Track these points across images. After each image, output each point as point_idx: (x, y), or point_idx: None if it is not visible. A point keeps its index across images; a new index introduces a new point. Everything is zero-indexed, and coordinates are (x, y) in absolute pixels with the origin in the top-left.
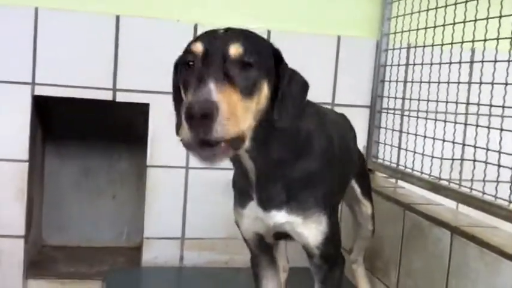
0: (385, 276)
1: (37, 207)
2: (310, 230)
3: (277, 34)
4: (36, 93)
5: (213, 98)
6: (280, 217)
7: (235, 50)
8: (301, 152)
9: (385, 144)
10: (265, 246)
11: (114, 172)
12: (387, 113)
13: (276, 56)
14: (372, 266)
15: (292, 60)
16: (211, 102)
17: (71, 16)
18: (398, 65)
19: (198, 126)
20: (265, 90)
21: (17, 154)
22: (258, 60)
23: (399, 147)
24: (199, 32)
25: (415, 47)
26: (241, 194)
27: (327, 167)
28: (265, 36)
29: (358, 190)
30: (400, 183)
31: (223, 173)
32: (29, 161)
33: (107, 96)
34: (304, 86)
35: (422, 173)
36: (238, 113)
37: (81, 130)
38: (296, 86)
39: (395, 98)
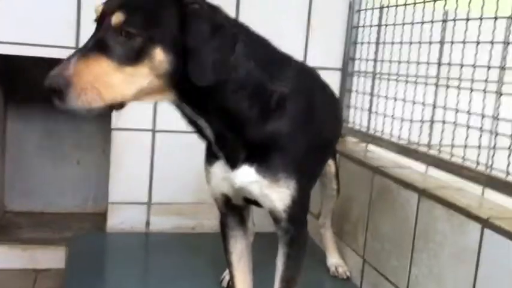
0: (353, 239)
1: None
2: (278, 193)
3: None
4: None
5: (67, 72)
6: (246, 177)
7: (115, 18)
8: (271, 113)
9: (355, 108)
10: (234, 207)
11: (79, 136)
12: (359, 75)
13: (187, 13)
14: (340, 230)
15: (263, 21)
16: (61, 77)
17: None
18: (371, 26)
19: (55, 97)
20: (158, 56)
21: None
22: (144, 27)
23: (370, 111)
24: None
25: (388, 6)
26: (209, 152)
27: (299, 132)
28: None
29: None
30: (371, 147)
31: (190, 136)
32: None
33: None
34: (226, 39)
35: (392, 136)
36: (104, 81)
37: (43, 91)
38: (215, 40)
39: (367, 60)
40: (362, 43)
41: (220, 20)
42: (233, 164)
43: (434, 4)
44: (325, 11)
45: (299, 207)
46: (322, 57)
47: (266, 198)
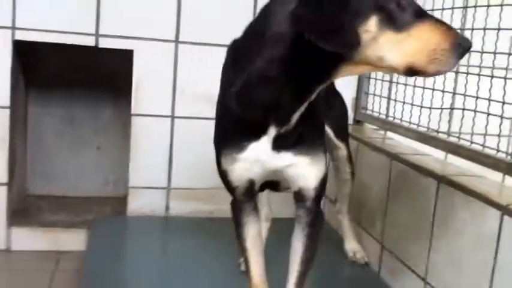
0: (371, 226)
1: (20, 156)
2: (314, 170)
3: None
4: (17, 38)
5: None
6: (288, 158)
7: None
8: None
9: (374, 95)
10: (251, 193)
11: (99, 121)
12: None
13: None
14: (357, 216)
15: None
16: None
17: None
18: None
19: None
20: None
21: None
22: None
23: (389, 98)
24: None
25: None
26: (244, 134)
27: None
28: None
29: (330, 133)
30: (390, 134)
31: (209, 122)
32: (10, 107)
33: (89, 41)
34: None
35: (410, 123)
36: None
37: (65, 77)
38: None
39: None
40: None
41: None
42: (279, 144)
43: None
44: None
45: (324, 184)
46: None
47: (302, 178)
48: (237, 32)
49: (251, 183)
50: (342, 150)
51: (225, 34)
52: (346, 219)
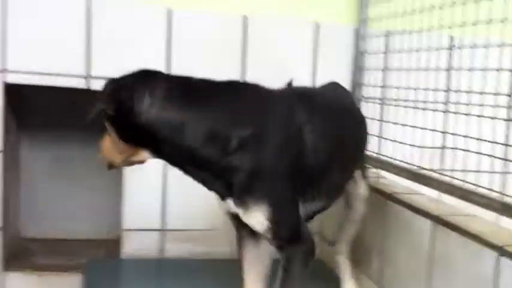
0: (367, 266)
1: (13, 199)
2: (253, 219)
3: (254, 20)
4: (9, 80)
5: None
6: (232, 205)
7: None
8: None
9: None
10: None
11: (91, 161)
12: (367, 101)
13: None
14: (353, 255)
15: (270, 47)
16: None
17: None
18: (378, 53)
19: None
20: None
21: None
22: None
23: (380, 137)
24: (173, 18)
25: (394, 33)
26: None
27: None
28: (240, 22)
29: (358, 171)
30: (382, 173)
31: None
32: (3, 151)
33: (80, 84)
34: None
35: (403, 162)
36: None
37: (56, 118)
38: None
39: (375, 86)
40: (369, 69)
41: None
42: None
43: (441, 31)
44: (332, 38)
45: (283, 227)
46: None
47: (249, 223)
48: None
49: (233, 215)
50: (365, 190)
51: None
52: (345, 260)
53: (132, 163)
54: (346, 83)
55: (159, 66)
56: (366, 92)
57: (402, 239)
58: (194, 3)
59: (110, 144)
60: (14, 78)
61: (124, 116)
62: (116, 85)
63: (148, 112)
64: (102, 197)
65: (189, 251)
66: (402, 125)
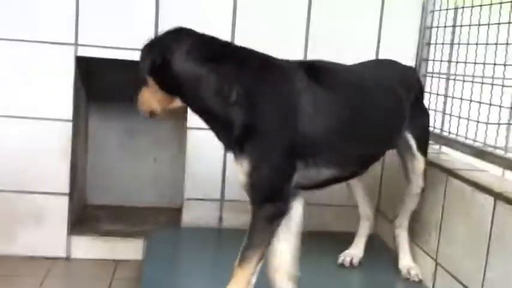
0: (425, 242)
1: (81, 167)
2: (238, 171)
3: None
4: (79, 54)
5: None
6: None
7: None
8: (229, 107)
9: (429, 109)
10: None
11: (155, 134)
12: (432, 76)
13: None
14: (411, 231)
15: (334, 18)
16: None
17: None
18: (445, 27)
19: None
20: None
21: (61, 114)
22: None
23: (444, 112)
24: None
25: (463, 7)
26: None
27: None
28: None
29: (413, 144)
30: (444, 149)
31: None
32: (72, 121)
33: None
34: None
35: (467, 138)
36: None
37: (123, 92)
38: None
39: (441, 61)
40: (436, 44)
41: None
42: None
43: (511, 5)
44: (398, 12)
45: (259, 185)
46: (395, 58)
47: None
48: None
49: None
50: (420, 163)
51: None
52: (404, 234)
53: (170, 111)
54: (411, 57)
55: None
56: (432, 67)
57: (462, 215)
58: None
59: (148, 95)
60: (85, 52)
61: (163, 67)
62: (157, 41)
63: (175, 64)
64: (165, 168)
65: (246, 222)
66: (468, 100)
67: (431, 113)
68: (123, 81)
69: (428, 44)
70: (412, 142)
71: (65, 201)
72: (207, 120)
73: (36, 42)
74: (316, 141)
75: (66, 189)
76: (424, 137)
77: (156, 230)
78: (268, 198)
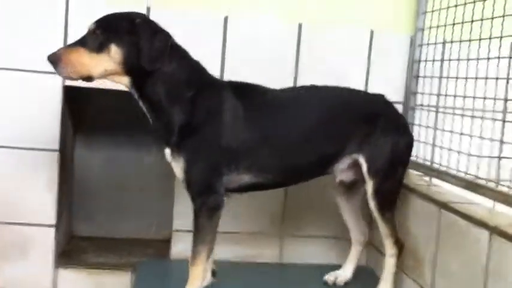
0: (420, 276)
1: (67, 198)
2: (176, 168)
3: (308, 27)
4: (67, 83)
5: (58, 52)
6: (167, 154)
7: (91, 26)
8: (176, 107)
9: (419, 141)
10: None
11: (142, 163)
12: (421, 109)
13: (136, 27)
14: (405, 265)
15: (323, 54)
16: (54, 55)
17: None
18: (434, 61)
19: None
20: (113, 49)
21: (48, 144)
22: (105, 32)
23: (433, 145)
24: (229, 25)
25: (451, 41)
26: None
27: (193, 127)
28: (295, 30)
29: (364, 166)
30: (435, 181)
31: None
32: (59, 150)
33: None
34: (161, 37)
35: (458, 171)
36: (78, 61)
37: (108, 121)
38: (153, 40)
39: (430, 94)
40: (424, 77)
41: (158, 27)
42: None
43: (500, 40)
44: (387, 46)
45: (193, 181)
46: (384, 90)
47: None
48: None
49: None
50: (369, 186)
51: None
52: (388, 261)
53: (108, 80)
54: (400, 91)
55: (213, 69)
56: (421, 100)
57: (457, 249)
58: (250, 11)
59: (96, 61)
60: (72, 82)
61: (150, 45)
62: (146, 18)
63: (160, 48)
64: (152, 198)
65: (238, 254)
66: (458, 133)
67: (420, 145)
68: (108, 110)
69: (417, 77)
70: (364, 165)
71: (51, 232)
72: (151, 113)
73: (24, 71)
74: (236, 149)
75: (53, 220)
76: (379, 162)
77: (144, 262)
78: (203, 192)
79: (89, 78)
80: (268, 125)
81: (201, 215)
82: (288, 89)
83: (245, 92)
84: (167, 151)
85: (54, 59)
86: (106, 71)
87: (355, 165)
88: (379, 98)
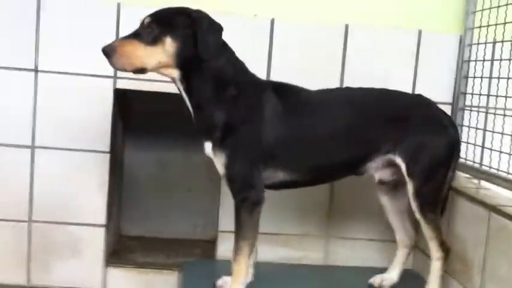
0: (468, 280)
1: (116, 198)
2: (217, 164)
3: (355, 29)
4: (118, 86)
5: (113, 44)
6: (207, 149)
7: (145, 20)
8: (222, 104)
9: (467, 143)
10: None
11: (190, 164)
12: (470, 110)
13: (193, 20)
14: (453, 269)
15: (370, 55)
16: (110, 46)
17: None
18: (484, 60)
19: (107, 59)
20: (167, 42)
21: (100, 145)
22: (160, 25)
23: (483, 146)
24: (275, 27)
25: (502, 41)
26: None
27: (235, 123)
28: (341, 32)
29: (403, 167)
30: (484, 183)
31: None
32: (110, 152)
33: None
34: (217, 29)
35: (508, 173)
36: (133, 53)
37: (159, 123)
38: (210, 31)
39: (480, 94)
40: (474, 77)
41: (213, 19)
42: (201, 136)
43: None
44: (435, 46)
45: (234, 176)
46: (432, 90)
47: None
48: None
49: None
50: (410, 186)
51: None
52: (434, 264)
53: (159, 73)
54: (448, 91)
55: (260, 70)
56: (469, 100)
57: (507, 253)
58: (296, 13)
59: (149, 53)
60: (123, 84)
61: (208, 40)
62: (206, 15)
63: (216, 43)
64: (199, 199)
65: (282, 256)
66: (510, 135)
67: (470, 147)
68: (157, 112)
69: (466, 77)
70: (402, 166)
71: (101, 232)
72: (195, 107)
73: (78, 75)
74: (274, 147)
75: (103, 221)
76: (418, 162)
77: (190, 262)
78: (244, 187)
79: (142, 71)
80: (304, 124)
81: (242, 211)
82: (325, 90)
83: (285, 91)
84: (208, 145)
85: (109, 51)
86: (159, 63)
87: (393, 166)
88: (416, 98)
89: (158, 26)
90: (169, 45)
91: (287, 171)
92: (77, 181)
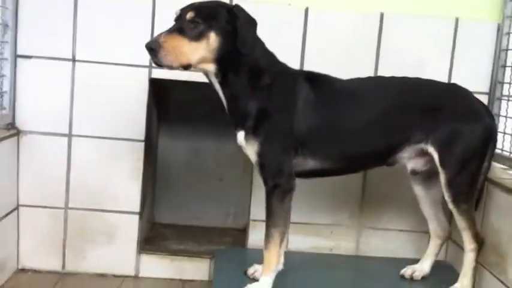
0: (501, 272)
1: (150, 186)
2: (249, 151)
3: (391, 17)
4: (153, 76)
5: (159, 40)
6: (239, 137)
7: (189, 14)
8: (256, 94)
9: (504, 133)
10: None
11: (222, 154)
12: (508, 100)
13: (232, 15)
14: (486, 260)
15: (406, 44)
16: (155, 42)
17: None
18: None
19: (152, 55)
20: (212, 37)
21: (134, 134)
22: (204, 20)
23: None
24: (309, 16)
25: None
26: None
27: (269, 112)
28: (376, 20)
29: (436, 156)
30: None
31: None
32: (144, 141)
33: None
34: (253, 23)
35: None
36: (179, 50)
37: (192, 112)
38: (249, 26)
39: None
40: None
41: (249, 14)
42: (234, 125)
43: None
44: (472, 35)
45: (267, 163)
46: (469, 80)
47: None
48: None
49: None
50: (442, 175)
51: None
52: (467, 256)
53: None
54: (485, 80)
55: (294, 59)
56: (507, 90)
57: None
58: (330, 1)
59: (192, 49)
60: (158, 74)
61: (247, 34)
62: (243, 10)
63: (252, 37)
64: (231, 188)
65: (313, 245)
66: None
67: (507, 137)
68: (190, 101)
69: (504, 66)
70: (435, 155)
71: (135, 219)
72: (229, 98)
73: (114, 65)
74: (305, 134)
75: (137, 208)
76: (450, 152)
77: (222, 250)
78: (275, 174)
79: (186, 67)
80: (335, 113)
81: (273, 198)
82: (357, 79)
83: (317, 81)
84: (240, 134)
85: (155, 47)
86: (202, 58)
87: (426, 155)
88: (451, 87)
89: (203, 20)
90: (213, 40)
91: (317, 159)
92: (112, 169)
